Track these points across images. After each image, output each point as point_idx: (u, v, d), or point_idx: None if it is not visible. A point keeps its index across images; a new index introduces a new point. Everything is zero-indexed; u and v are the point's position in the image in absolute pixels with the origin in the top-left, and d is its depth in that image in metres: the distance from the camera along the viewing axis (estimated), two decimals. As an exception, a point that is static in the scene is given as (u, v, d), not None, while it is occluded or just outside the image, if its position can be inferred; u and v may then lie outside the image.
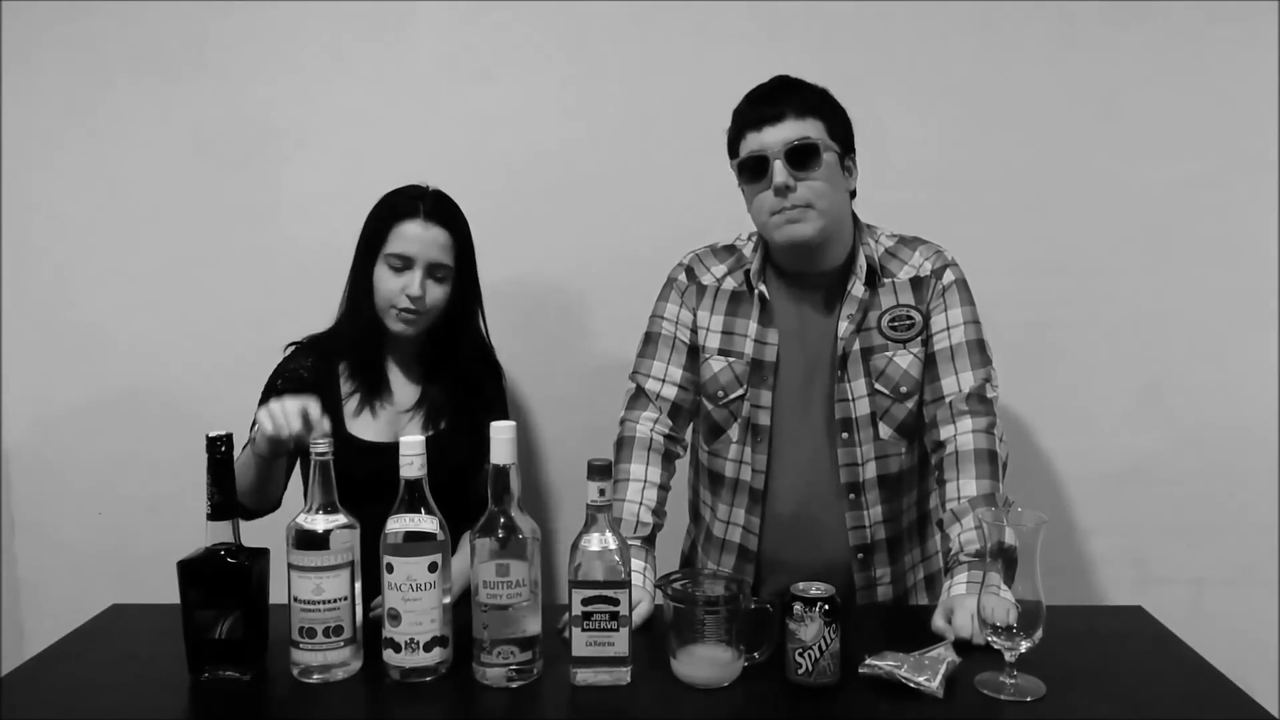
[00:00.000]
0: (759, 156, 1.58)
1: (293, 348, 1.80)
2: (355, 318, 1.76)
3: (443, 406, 1.79)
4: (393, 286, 1.71)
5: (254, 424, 1.55)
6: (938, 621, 1.45)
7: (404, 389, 1.81)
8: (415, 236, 1.72)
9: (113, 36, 2.18)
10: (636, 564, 1.55)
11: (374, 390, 1.78)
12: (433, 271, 1.73)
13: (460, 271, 1.77)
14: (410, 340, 1.78)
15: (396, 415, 1.79)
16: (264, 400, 1.70)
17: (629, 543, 1.45)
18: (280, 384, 1.73)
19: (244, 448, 1.57)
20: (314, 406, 1.47)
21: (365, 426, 1.76)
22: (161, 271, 2.24)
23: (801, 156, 1.57)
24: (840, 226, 1.66)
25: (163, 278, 2.24)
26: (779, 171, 1.57)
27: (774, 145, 1.57)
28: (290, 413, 1.46)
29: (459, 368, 1.82)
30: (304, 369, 1.76)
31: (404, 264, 1.71)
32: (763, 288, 1.70)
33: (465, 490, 1.78)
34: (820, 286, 1.70)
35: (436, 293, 1.74)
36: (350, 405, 1.76)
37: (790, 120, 1.57)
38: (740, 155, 1.62)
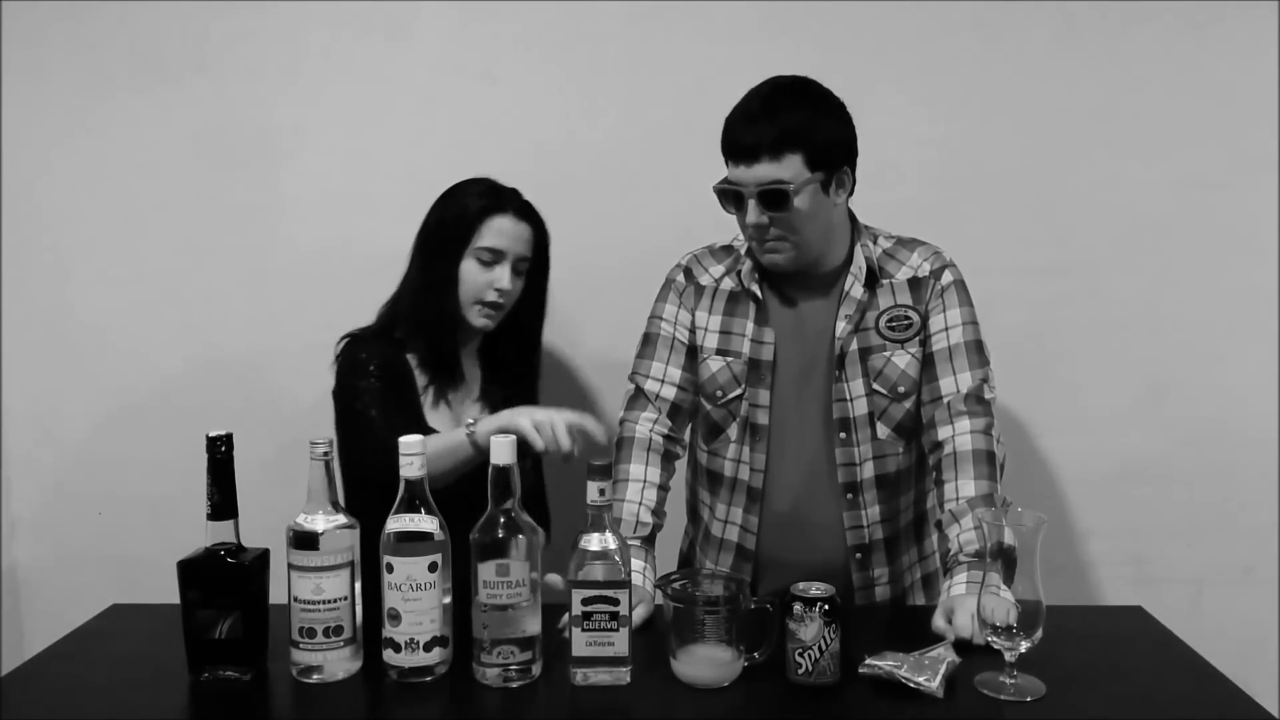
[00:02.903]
0: (735, 191, 1.60)
1: (348, 339, 1.76)
2: (436, 310, 1.74)
3: (499, 400, 1.79)
4: (480, 280, 1.72)
5: (471, 420, 1.58)
6: (938, 622, 1.45)
7: (469, 382, 1.82)
8: (506, 231, 1.73)
9: (113, 36, 2.18)
10: (636, 564, 1.55)
11: (451, 383, 1.77)
12: (517, 265, 1.75)
13: (535, 267, 1.79)
14: (475, 333, 1.79)
15: (462, 408, 1.79)
16: (348, 390, 1.70)
17: (629, 543, 1.45)
18: (375, 374, 1.69)
19: (466, 432, 1.56)
20: (592, 425, 1.49)
21: (440, 419, 1.75)
22: (162, 272, 2.24)
23: (774, 199, 1.56)
24: (828, 240, 1.66)
25: (163, 278, 2.24)
26: (752, 210, 1.58)
27: (748, 184, 1.57)
28: (560, 431, 1.48)
29: (522, 361, 1.84)
30: (388, 360, 1.72)
31: (494, 258, 1.72)
32: (756, 288, 1.70)
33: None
34: (818, 287, 1.70)
35: (518, 286, 1.76)
36: (427, 398, 1.75)
37: (764, 162, 1.55)
38: (721, 181, 1.62)
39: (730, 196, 1.61)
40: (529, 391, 1.86)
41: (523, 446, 1.40)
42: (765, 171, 1.56)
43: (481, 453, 1.52)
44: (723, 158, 1.62)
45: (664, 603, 1.36)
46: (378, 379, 1.69)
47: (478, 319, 1.74)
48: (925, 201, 2.09)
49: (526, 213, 1.77)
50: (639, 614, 1.47)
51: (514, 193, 1.78)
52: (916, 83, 2.15)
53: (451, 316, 1.74)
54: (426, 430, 1.68)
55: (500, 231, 1.73)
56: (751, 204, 1.58)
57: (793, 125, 1.56)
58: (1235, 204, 2.16)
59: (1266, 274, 2.17)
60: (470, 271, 1.73)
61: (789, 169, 1.55)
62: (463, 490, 1.48)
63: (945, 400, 1.65)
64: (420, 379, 1.76)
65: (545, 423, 1.49)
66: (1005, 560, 1.29)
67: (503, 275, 1.72)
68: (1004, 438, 1.67)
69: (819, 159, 1.57)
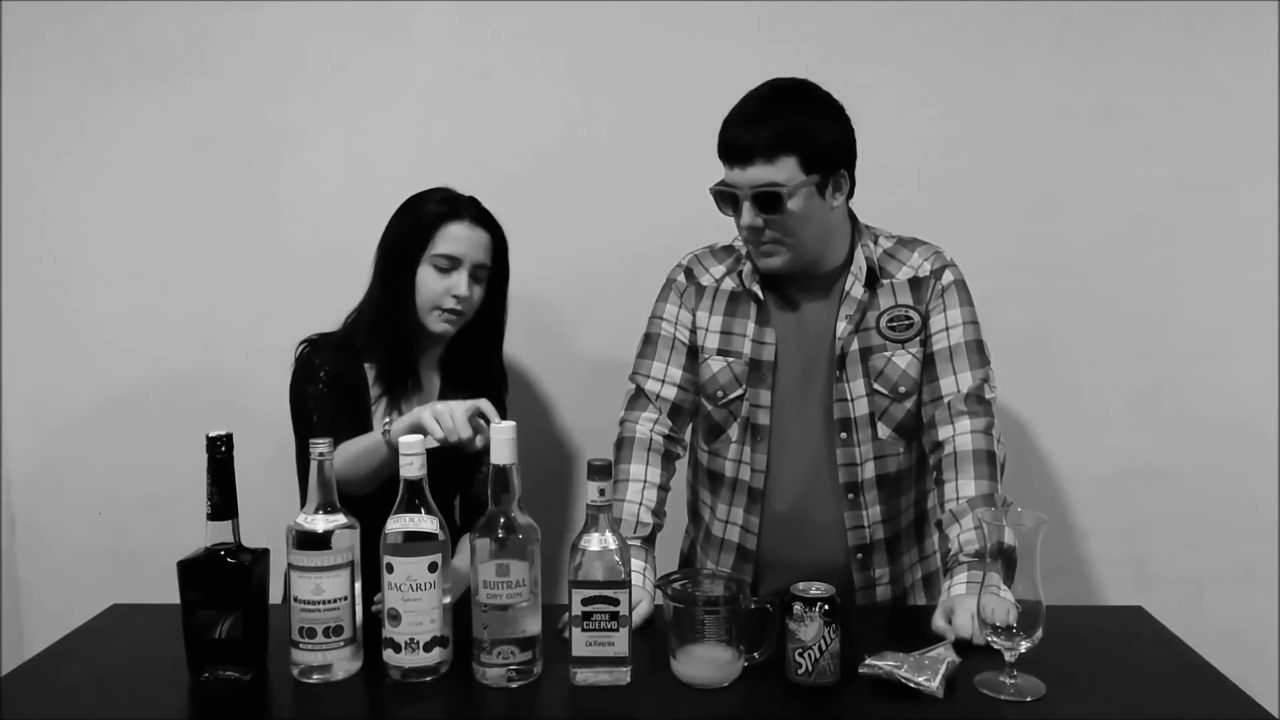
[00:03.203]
0: (730, 193, 1.59)
1: (306, 345, 1.77)
2: (393, 318, 1.74)
3: None
4: (438, 287, 1.72)
5: (388, 419, 1.58)
6: (938, 622, 1.45)
7: (426, 391, 1.81)
8: (463, 237, 1.73)
9: (113, 36, 2.18)
10: (636, 564, 1.55)
11: (405, 391, 1.77)
12: (475, 272, 1.74)
13: (495, 274, 1.79)
14: (435, 341, 1.78)
15: None
16: (297, 395, 1.71)
17: (629, 543, 1.46)
18: (325, 380, 1.70)
19: (382, 431, 1.56)
20: (489, 410, 1.48)
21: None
22: (161, 271, 2.24)
23: (768, 201, 1.56)
24: (825, 242, 1.66)
25: (163, 278, 2.24)
26: (747, 212, 1.58)
27: (742, 186, 1.57)
28: (459, 419, 1.47)
29: (482, 369, 1.83)
30: (341, 368, 1.73)
31: (451, 264, 1.72)
32: (756, 288, 1.70)
33: (466, 493, 1.78)
34: (818, 287, 1.70)
35: (478, 292, 1.76)
36: (380, 407, 1.75)
37: (758, 164, 1.55)
38: (717, 183, 1.61)
39: (726, 198, 1.61)
40: (494, 400, 1.84)
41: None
42: (759, 174, 1.56)
43: (396, 453, 1.52)
44: (719, 159, 1.62)
45: (664, 603, 1.36)
46: (326, 385, 1.70)
47: (437, 324, 1.74)
48: (925, 201, 2.09)
49: (484, 220, 1.76)
50: (639, 614, 1.47)
51: (471, 200, 1.77)
52: (917, 83, 2.15)
53: (410, 325, 1.74)
54: None
55: (456, 238, 1.72)
56: (746, 206, 1.58)
57: (788, 128, 1.55)
58: (1235, 204, 2.16)
59: (1267, 274, 2.16)
60: (428, 279, 1.72)
61: (783, 171, 1.55)
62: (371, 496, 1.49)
63: (946, 400, 1.65)
64: (375, 388, 1.76)
65: (444, 412, 1.49)
66: (1005, 560, 1.29)
67: (460, 282, 1.72)
68: (1004, 438, 1.67)
69: (815, 162, 1.57)
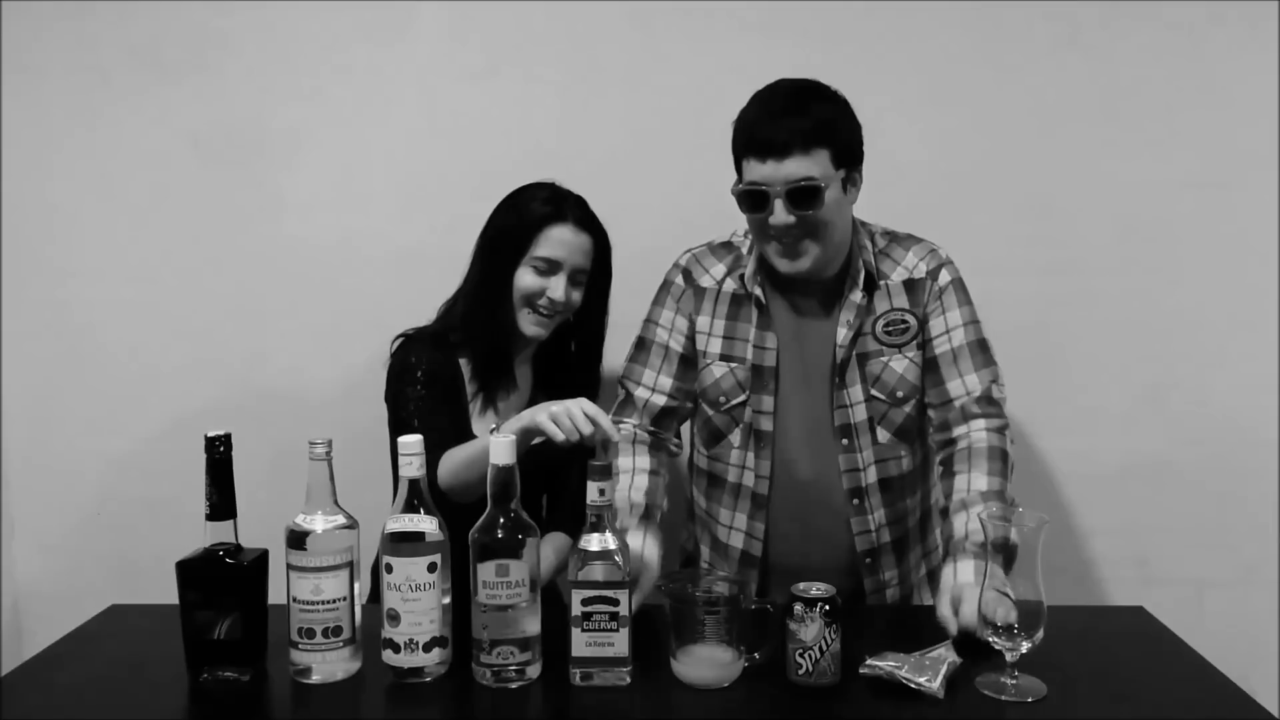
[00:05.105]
0: (760, 191, 1.55)
1: (402, 340, 1.76)
2: (489, 316, 1.73)
3: None
4: (535, 289, 1.70)
5: (496, 424, 1.56)
6: (943, 609, 1.43)
7: (522, 390, 1.81)
8: (565, 241, 1.71)
9: (112, 36, 2.18)
10: (634, 538, 1.54)
11: (502, 389, 1.76)
12: (574, 276, 1.72)
13: (595, 277, 1.77)
14: (529, 341, 1.77)
15: (511, 415, 1.77)
16: (395, 395, 1.70)
17: (624, 525, 1.45)
18: (422, 381, 1.69)
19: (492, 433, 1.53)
20: (606, 422, 1.46)
21: (487, 426, 1.73)
22: (161, 271, 2.24)
23: (804, 196, 1.53)
24: (844, 243, 1.64)
25: (162, 278, 2.24)
26: (779, 210, 1.54)
27: (775, 182, 1.53)
28: (578, 418, 1.45)
29: (578, 374, 1.82)
30: (437, 365, 1.72)
31: (550, 268, 1.70)
32: (758, 292, 1.68)
33: (558, 491, 1.78)
34: (819, 292, 1.68)
35: (575, 296, 1.74)
36: (476, 404, 1.74)
37: (795, 157, 1.51)
38: (740, 182, 1.58)
39: (751, 198, 1.56)
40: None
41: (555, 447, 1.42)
42: (796, 168, 1.52)
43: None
44: (737, 161, 1.59)
45: (664, 603, 1.36)
46: (424, 385, 1.69)
47: (530, 327, 1.73)
48: (925, 201, 2.08)
49: (587, 223, 1.74)
50: (643, 585, 1.47)
51: (577, 201, 1.75)
52: (917, 83, 2.14)
53: (504, 324, 1.73)
54: (471, 438, 1.68)
55: (559, 242, 1.70)
56: (779, 204, 1.54)
57: (821, 120, 1.54)
58: (1235, 204, 2.16)
59: (1266, 274, 2.16)
60: (525, 279, 1.71)
61: (818, 164, 1.53)
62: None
63: (957, 404, 1.63)
64: (471, 385, 1.75)
65: (561, 413, 1.47)
66: (1006, 560, 1.28)
67: (557, 285, 1.70)
68: (1014, 439, 1.66)
69: (842, 156, 1.55)
